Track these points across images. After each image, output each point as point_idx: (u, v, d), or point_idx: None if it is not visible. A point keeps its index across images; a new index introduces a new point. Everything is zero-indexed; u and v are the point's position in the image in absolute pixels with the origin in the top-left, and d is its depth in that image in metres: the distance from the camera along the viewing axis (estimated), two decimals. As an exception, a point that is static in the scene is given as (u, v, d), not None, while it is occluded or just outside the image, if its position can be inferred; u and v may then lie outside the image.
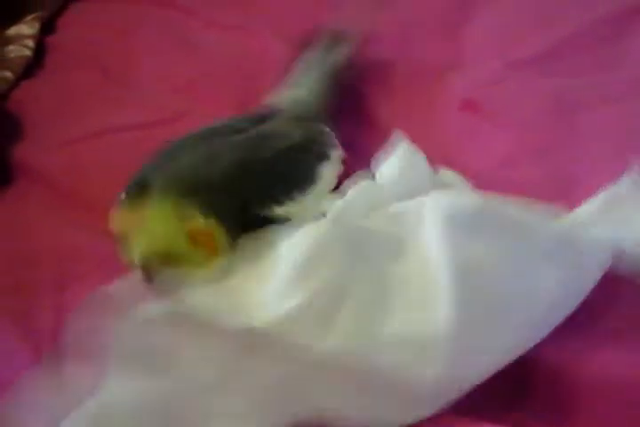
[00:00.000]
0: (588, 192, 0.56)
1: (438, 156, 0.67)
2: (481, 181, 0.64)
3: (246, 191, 0.53)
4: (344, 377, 0.45)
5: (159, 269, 0.49)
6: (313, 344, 0.45)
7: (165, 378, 0.46)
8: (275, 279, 0.48)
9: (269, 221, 0.53)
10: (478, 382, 0.47)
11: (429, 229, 0.49)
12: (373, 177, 0.59)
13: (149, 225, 0.48)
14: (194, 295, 0.48)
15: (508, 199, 0.53)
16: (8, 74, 0.84)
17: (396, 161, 0.58)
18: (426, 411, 0.46)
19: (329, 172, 0.58)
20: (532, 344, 0.49)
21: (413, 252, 0.49)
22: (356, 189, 0.56)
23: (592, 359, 0.50)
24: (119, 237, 0.51)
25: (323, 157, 0.59)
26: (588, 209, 0.54)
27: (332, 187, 0.59)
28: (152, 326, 0.47)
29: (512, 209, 0.51)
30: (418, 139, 0.68)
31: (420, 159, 0.59)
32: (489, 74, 0.75)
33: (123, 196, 0.53)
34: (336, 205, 0.54)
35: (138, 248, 0.48)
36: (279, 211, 0.52)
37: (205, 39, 0.88)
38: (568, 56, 0.75)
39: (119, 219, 0.51)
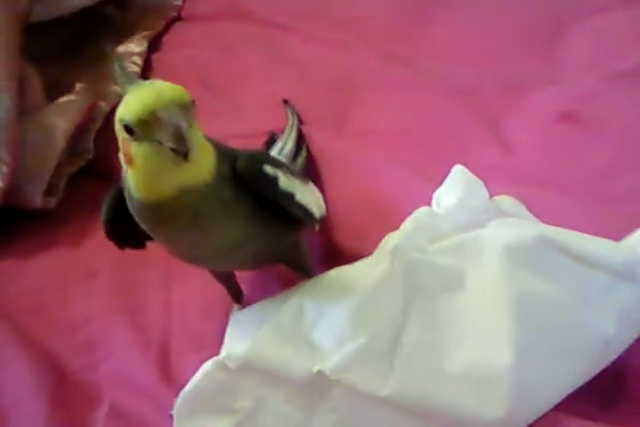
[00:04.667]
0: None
1: (536, 169, 0.68)
2: (582, 192, 0.65)
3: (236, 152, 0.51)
4: (405, 416, 0.45)
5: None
6: (372, 389, 0.45)
7: (242, 419, 0.47)
8: (337, 321, 0.48)
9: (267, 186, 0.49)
10: (540, 416, 0.46)
11: (489, 261, 0.49)
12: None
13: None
14: (264, 343, 0.48)
15: (567, 230, 0.52)
16: (118, 89, 0.89)
17: (455, 189, 0.57)
18: None
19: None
20: (590, 377, 0.48)
21: (473, 286, 0.49)
22: (414, 219, 0.55)
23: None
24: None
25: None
26: None
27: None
28: (233, 371, 0.47)
29: (573, 240, 0.50)
30: (513, 153, 0.71)
31: (478, 187, 0.57)
32: (587, 87, 0.75)
33: None
34: (394, 235, 0.53)
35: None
36: (268, 170, 0.49)
37: (304, 56, 0.90)
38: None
39: None
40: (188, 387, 0.47)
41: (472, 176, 0.56)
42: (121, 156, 0.46)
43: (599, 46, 0.81)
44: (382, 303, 0.48)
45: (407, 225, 0.54)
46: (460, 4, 0.93)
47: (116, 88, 0.89)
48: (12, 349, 0.60)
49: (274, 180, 0.50)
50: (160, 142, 0.43)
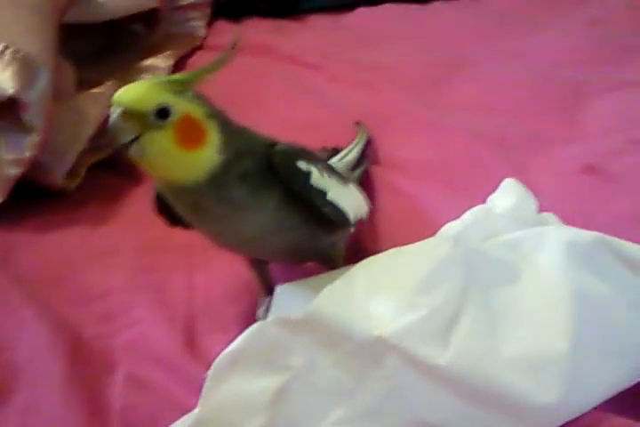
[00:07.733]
0: None
1: (561, 208, 0.69)
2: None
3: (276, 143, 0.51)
4: (455, 392, 0.45)
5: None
6: (430, 357, 0.45)
7: (292, 376, 0.45)
8: (396, 292, 0.47)
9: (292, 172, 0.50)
10: (588, 410, 0.46)
11: (549, 256, 0.50)
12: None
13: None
14: (324, 303, 0.47)
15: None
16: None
17: (510, 197, 0.59)
18: None
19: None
20: (635, 382, 0.48)
21: (529, 279, 0.49)
22: (474, 213, 0.56)
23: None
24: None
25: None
26: None
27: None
28: (290, 329, 0.46)
29: (627, 247, 0.52)
30: (538, 193, 0.72)
31: (529, 198, 0.59)
32: (610, 146, 0.77)
33: None
34: (455, 225, 0.55)
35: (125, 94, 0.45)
36: (301, 165, 0.50)
37: (330, 92, 0.93)
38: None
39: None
40: (235, 343, 0.45)
41: (524, 188, 0.57)
42: None
43: (618, 116, 0.84)
44: (442, 283, 0.47)
45: (467, 217, 0.55)
46: (481, 63, 0.97)
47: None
48: (28, 311, 0.58)
49: (305, 175, 0.50)
50: None
